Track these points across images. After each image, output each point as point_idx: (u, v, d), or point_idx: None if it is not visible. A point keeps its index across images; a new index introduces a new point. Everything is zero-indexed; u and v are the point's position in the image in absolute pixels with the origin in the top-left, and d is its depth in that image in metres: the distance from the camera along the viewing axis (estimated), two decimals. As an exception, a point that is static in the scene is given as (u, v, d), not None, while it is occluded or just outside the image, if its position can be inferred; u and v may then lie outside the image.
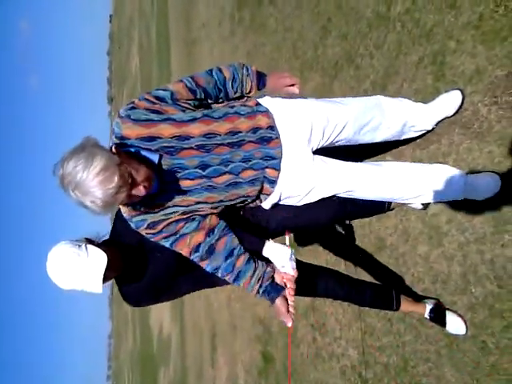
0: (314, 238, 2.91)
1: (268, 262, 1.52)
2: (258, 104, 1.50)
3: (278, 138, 1.47)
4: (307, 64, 3.33)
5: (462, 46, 1.84)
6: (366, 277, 2.35)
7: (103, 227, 1.72)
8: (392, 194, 1.66)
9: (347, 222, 2.46)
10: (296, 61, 3.56)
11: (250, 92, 1.53)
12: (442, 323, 1.83)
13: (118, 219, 1.52)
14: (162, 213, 1.38)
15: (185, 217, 1.41)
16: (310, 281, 1.80)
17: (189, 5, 9.70)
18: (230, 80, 1.47)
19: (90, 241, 1.48)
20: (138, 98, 1.34)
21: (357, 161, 1.66)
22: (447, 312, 1.82)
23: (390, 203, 1.90)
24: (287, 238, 1.60)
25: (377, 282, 2.14)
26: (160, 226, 1.39)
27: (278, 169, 1.48)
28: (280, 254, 1.49)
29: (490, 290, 1.67)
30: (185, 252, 1.45)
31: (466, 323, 1.75)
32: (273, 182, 1.49)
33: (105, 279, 1.41)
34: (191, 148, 1.34)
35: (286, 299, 1.45)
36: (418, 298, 1.98)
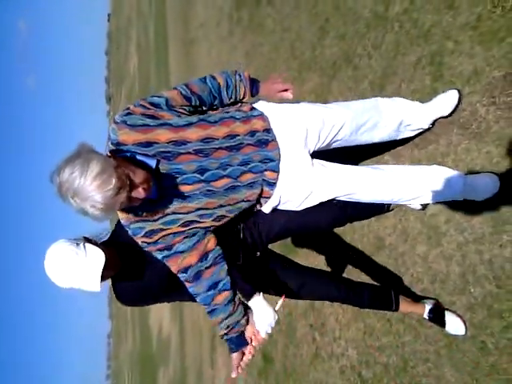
0: (312, 240, 2.91)
1: (249, 308, 1.51)
2: (252, 109, 1.50)
3: (274, 140, 1.47)
4: (305, 64, 3.33)
5: (460, 46, 1.84)
6: (364, 277, 2.36)
7: (103, 227, 1.71)
8: (391, 196, 1.66)
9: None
10: (294, 61, 3.56)
11: (243, 98, 1.53)
12: (441, 323, 1.83)
13: (119, 224, 1.52)
14: (162, 221, 1.37)
15: (184, 229, 1.39)
16: (308, 285, 1.81)
17: (187, 5, 9.69)
18: (225, 87, 1.47)
19: (88, 240, 1.48)
20: (133, 104, 1.33)
21: (355, 163, 1.66)
22: (446, 312, 1.82)
23: (389, 204, 1.91)
24: (280, 302, 1.55)
25: (375, 283, 2.14)
26: (157, 237, 1.38)
27: (276, 171, 1.48)
28: (264, 315, 1.47)
29: (489, 290, 1.67)
30: (174, 269, 1.45)
31: (465, 323, 1.76)
32: (272, 185, 1.49)
33: (103, 278, 1.40)
34: (189, 153, 1.33)
35: (244, 354, 1.47)
36: (417, 299, 1.98)
